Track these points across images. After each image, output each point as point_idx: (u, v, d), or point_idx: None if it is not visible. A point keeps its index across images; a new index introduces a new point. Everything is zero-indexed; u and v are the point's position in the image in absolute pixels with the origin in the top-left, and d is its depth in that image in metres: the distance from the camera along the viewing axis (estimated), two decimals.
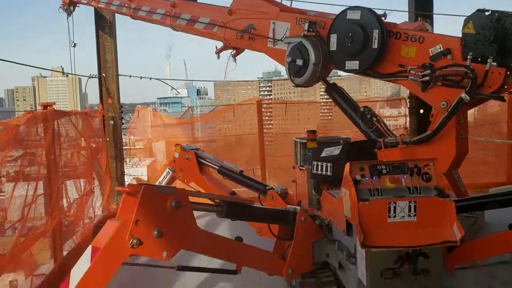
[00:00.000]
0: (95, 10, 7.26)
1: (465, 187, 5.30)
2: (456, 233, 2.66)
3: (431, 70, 3.33)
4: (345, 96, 4.28)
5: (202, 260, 3.53)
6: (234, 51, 4.94)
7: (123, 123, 8.43)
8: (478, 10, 3.27)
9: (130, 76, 8.88)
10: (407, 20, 7.10)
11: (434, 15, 7.58)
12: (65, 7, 7.02)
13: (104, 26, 7.60)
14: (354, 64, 3.66)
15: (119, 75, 8.05)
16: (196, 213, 2.86)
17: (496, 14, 3.16)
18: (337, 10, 3.83)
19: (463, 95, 3.13)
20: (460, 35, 3.27)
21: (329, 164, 3.74)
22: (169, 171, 5.63)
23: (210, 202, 3.33)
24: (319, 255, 3.72)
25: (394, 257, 2.79)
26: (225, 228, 5.70)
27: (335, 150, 3.76)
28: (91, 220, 6.66)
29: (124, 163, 8.73)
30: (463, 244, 3.04)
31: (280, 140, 10.34)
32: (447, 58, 3.30)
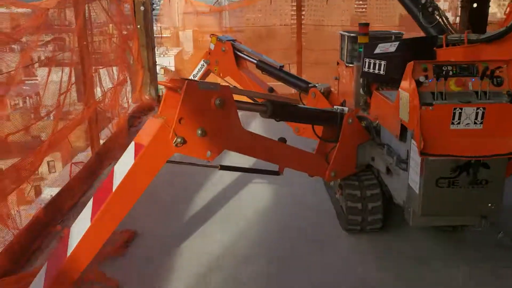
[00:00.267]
0: None
1: None
2: None
3: None
4: None
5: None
6: None
7: (153, 9, 8.02)
8: None
9: None
10: None
11: None
12: None
13: None
14: None
15: None
16: None
17: None
18: None
19: None
20: None
21: (383, 62, 3.42)
22: (204, 64, 5.35)
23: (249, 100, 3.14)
24: (363, 158, 3.57)
25: (451, 166, 2.60)
26: (259, 126, 5.63)
27: (391, 47, 3.42)
28: (125, 110, 6.63)
29: None
30: None
31: (312, 33, 9.73)
32: None
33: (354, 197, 3.45)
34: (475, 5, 7.35)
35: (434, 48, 3.35)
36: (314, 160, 3.34)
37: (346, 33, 4.43)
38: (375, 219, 3.47)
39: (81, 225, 2.33)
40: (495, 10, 9.02)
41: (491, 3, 7.55)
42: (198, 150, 2.54)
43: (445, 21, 3.53)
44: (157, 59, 8.29)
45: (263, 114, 2.92)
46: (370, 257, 3.28)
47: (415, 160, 2.73)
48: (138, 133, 2.48)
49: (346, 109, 3.42)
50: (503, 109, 2.48)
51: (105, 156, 5.27)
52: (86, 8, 4.97)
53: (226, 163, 3.12)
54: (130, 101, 7.03)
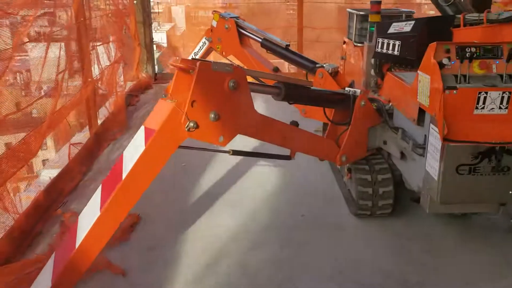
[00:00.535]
0: None
1: None
2: None
3: None
4: None
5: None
6: None
7: None
8: None
9: None
10: None
11: None
12: None
13: None
14: None
15: None
16: None
17: None
18: None
19: None
20: None
21: (397, 42, 3.29)
22: (206, 41, 5.19)
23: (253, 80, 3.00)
24: (373, 142, 3.47)
25: (473, 152, 2.51)
26: (262, 107, 5.49)
27: (406, 26, 3.28)
28: (122, 88, 6.45)
29: None
30: None
31: (308, 10, 9.49)
32: None
33: (365, 182, 3.36)
34: None
35: (451, 28, 3.22)
36: (326, 144, 3.24)
37: (355, 11, 4.27)
38: (385, 204, 3.39)
39: (89, 215, 2.22)
40: None
41: None
42: (210, 135, 2.42)
43: (462, 0, 3.39)
44: None
45: (276, 97, 2.80)
46: (381, 243, 3.21)
47: (434, 145, 2.63)
48: (148, 117, 2.35)
49: (358, 91, 3.30)
50: None
51: (104, 137, 5.14)
52: None
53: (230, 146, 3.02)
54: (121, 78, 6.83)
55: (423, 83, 2.63)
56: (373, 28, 3.64)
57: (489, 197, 2.63)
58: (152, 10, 12.30)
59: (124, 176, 2.21)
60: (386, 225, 3.41)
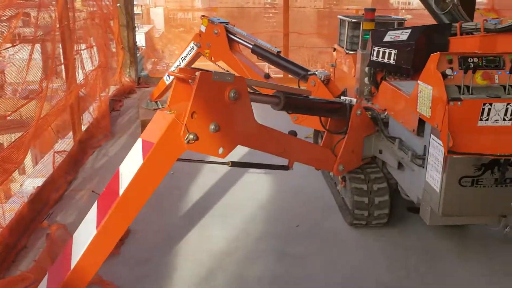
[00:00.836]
0: None
1: None
2: None
3: None
4: None
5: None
6: None
7: None
8: None
9: None
10: None
11: None
12: None
13: None
14: None
15: None
16: None
17: None
18: None
19: None
20: None
21: (393, 51, 3.26)
22: (194, 46, 5.10)
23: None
24: (368, 151, 3.43)
25: (476, 164, 2.48)
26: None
27: (402, 35, 3.26)
28: (106, 93, 6.29)
29: None
30: None
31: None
32: None
33: (361, 191, 3.32)
34: None
35: (448, 37, 3.21)
36: (323, 153, 3.19)
37: (347, 18, 4.25)
38: (381, 214, 3.35)
39: (85, 233, 2.10)
40: None
41: None
42: (210, 147, 2.33)
43: (458, 8, 3.39)
44: None
45: (275, 106, 2.73)
46: (378, 254, 3.16)
47: (435, 156, 2.59)
48: (145, 129, 2.25)
49: (354, 100, 3.26)
50: None
51: (88, 144, 4.99)
52: None
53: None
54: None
55: (424, 94, 2.60)
56: (368, 36, 3.61)
57: (491, 209, 2.61)
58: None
59: (121, 192, 2.10)
60: (382, 235, 3.37)
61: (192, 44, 5.10)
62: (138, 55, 7.97)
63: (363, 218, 3.36)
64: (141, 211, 3.42)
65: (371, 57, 3.45)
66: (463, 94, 2.42)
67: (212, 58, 4.96)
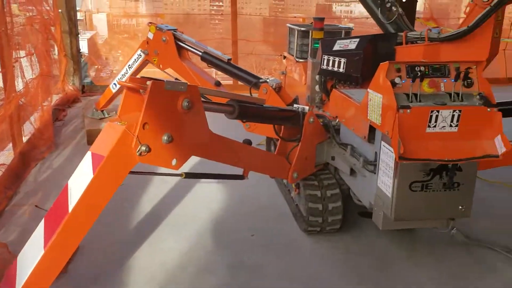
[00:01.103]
0: None
1: None
2: (499, 147, 2.44)
3: None
4: None
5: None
6: None
7: None
8: None
9: None
10: None
11: None
12: None
13: None
14: None
15: None
16: None
17: None
18: None
19: None
20: None
21: (343, 60, 3.32)
22: (141, 54, 4.98)
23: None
24: (321, 157, 3.47)
25: (425, 169, 2.56)
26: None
27: (350, 44, 3.33)
28: (49, 102, 6.02)
29: None
30: None
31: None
32: None
33: (315, 198, 3.34)
34: None
35: (394, 46, 3.31)
36: (278, 161, 3.18)
37: (296, 27, 4.29)
38: (335, 220, 3.38)
39: (32, 254, 1.97)
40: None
41: None
42: (163, 159, 2.26)
43: (403, 18, 3.50)
44: None
45: (229, 115, 2.70)
46: (332, 261, 3.18)
47: (386, 162, 2.65)
48: (94, 141, 2.15)
49: (306, 108, 3.29)
50: (477, 111, 2.47)
51: (30, 156, 4.73)
52: None
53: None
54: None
55: (374, 102, 2.65)
56: (317, 45, 3.66)
57: (441, 213, 2.70)
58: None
59: (70, 208, 1.99)
60: (336, 241, 3.40)
61: (139, 52, 4.98)
62: (82, 61, 7.71)
63: (318, 224, 3.38)
64: None
65: (322, 66, 3.50)
66: (411, 102, 2.49)
67: (161, 66, 4.86)
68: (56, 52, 6.79)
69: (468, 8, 3.06)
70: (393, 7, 3.47)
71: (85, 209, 2.04)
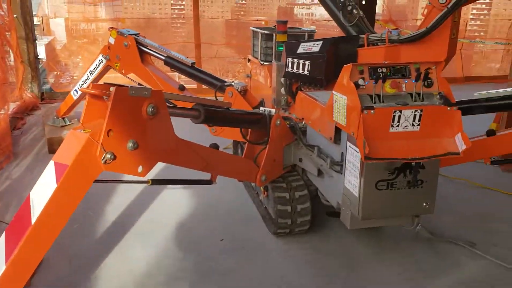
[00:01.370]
0: None
1: None
2: (459, 145, 2.51)
3: None
4: None
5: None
6: None
7: None
8: None
9: None
10: None
11: None
12: None
13: None
14: None
15: None
16: None
17: None
18: None
19: None
20: None
21: (307, 62, 3.36)
22: (103, 59, 4.88)
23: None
24: (288, 159, 3.49)
25: (389, 168, 2.61)
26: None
27: (314, 46, 3.37)
28: (6, 110, 5.80)
29: None
30: None
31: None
32: None
33: (283, 200, 3.36)
34: (364, 1, 7.71)
35: (356, 48, 3.37)
36: (246, 165, 3.18)
37: (260, 30, 4.30)
38: (303, 221, 3.41)
39: None
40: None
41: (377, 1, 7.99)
42: (129, 166, 2.22)
43: (364, 20, 3.57)
44: None
45: (195, 120, 2.68)
46: (302, 262, 3.20)
47: (352, 162, 2.69)
48: (57, 150, 2.08)
49: (273, 110, 3.30)
50: (438, 110, 2.54)
51: None
52: None
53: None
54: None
55: (339, 103, 2.69)
56: (281, 48, 3.68)
57: (406, 210, 2.76)
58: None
59: (33, 220, 1.92)
60: (305, 242, 3.43)
61: (100, 57, 4.88)
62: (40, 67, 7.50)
63: (287, 226, 3.39)
64: None
65: (286, 69, 3.52)
66: (375, 102, 2.54)
67: (123, 71, 4.78)
68: (12, 58, 6.56)
69: (426, 10, 3.15)
70: (354, 10, 3.53)
71: (49, 220, 1.97)
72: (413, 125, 2.54)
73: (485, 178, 4.50)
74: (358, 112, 2.47)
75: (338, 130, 2.84)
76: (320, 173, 3.18)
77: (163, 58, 4.55)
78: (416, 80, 2.57)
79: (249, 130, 3.30)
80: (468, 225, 3.69)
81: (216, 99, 4.06)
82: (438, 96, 2.60)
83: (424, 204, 2.72)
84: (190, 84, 7.29)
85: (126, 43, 4.65)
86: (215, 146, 2.90)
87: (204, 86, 4.63)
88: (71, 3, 9.86)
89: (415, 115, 2.53)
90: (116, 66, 4.81)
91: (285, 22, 3.85)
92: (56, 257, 3.12)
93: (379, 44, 3.36)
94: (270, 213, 3.58)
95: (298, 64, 3.41)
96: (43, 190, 1.99)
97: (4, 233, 2.01)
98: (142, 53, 4.68)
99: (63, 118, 5.53)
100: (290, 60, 3.47)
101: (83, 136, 2.04)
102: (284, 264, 3.18)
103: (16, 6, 6.64)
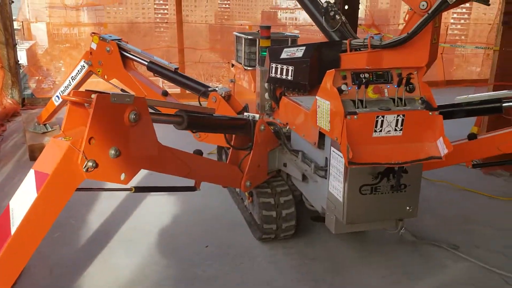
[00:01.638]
0: None
1: None
2: (441, 149, 2.54)
3: None
4: None
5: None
6: None
7: (12, 1, 7.05)
8: None
9: None
10: None
11: None
12: None
13: None
14: None
15: None
16: None
17: None
18: None
19: None
20: None
21: (290, 68, 3.36)
22: (85, 65, 4.83)
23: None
24: (273, 165, 3.49)
25: (373, 172, 2.63)
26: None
27: (297, 52, 3.38)
28: None
29: None
30: None
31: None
32: None
33: (268, 205, 3.35)
34: (346, 7, 7.77)
35: (339, 53, 3.39)
36: (230, 171, 3.17)
37: (243, 35, 4.30)
38: (288, 226, 3.41)
39: None
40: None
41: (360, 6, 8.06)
42: (111, 174, 2.19)
43: (346, 26, 3.59)
44: None
45: (178, 126, 2.66)
46: (288, 267, 3.20)
47: (337, 167, 2.70)
48: (37, 159, 2.05)
49: (257, 116, 3.30)
50: (420, 115, 2.56)
51: None
52: None
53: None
54: None
55: (323, 109, 2.70)
56: (265, 53, 3.69)
57: (390, 214, 2.77)
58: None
59: (13, 230, 1.88)
60: (290, 247, 3.43)
61: (82, 63, 4.83)
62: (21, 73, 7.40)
63: (272, 231, 3.39)
64: None
65: (270, 74, 3.52)
66: (358, 108, 2.55)
67: (105, 77, 4.73)
68: None
69: (407, 16, 3.18)
70: (336, 16, 3.55)
71: (29, 231, 1.93)
72: (395, 130, 2.56)
73: (466, 181, 4.56)
74: (342, 117, 2.48)
75: (322, 135, 2.85)
76: (304, 178, 3.18)
77: (146, 63, 4.52)
78: (398, 85, 2.59)
79: (233, 135, 3.29)
80: (450, 227, 3.74)
81: (200, 104, 4.05)
82: (420, 101, 2.62)
83: (408, 208, 2.74)
84: (174, 89, 7.27)
85: (108, 49, 4.61)
86: (199, 152, 2.88)
87: (188, 91, 4.61)
88: (52, 7, 9.75)
89: (397, 120, 2.54)
90: (99, 71, 4.76)
91: (269, 28, 3.85)
92: (37, 266, 3.07)
93: (361, 49, 3.38)
94: (255, 218, 3.58)
95: (282, 69, 3.42)
96: (23, 199, 1.95)
97: None
98: (124, 59, 4.64)
99: (45, 125, 5.45)
100: (274, 65, 3.48)
101: (64, 144, 2.01)
102: (269, 269, 3.17)
103: None
